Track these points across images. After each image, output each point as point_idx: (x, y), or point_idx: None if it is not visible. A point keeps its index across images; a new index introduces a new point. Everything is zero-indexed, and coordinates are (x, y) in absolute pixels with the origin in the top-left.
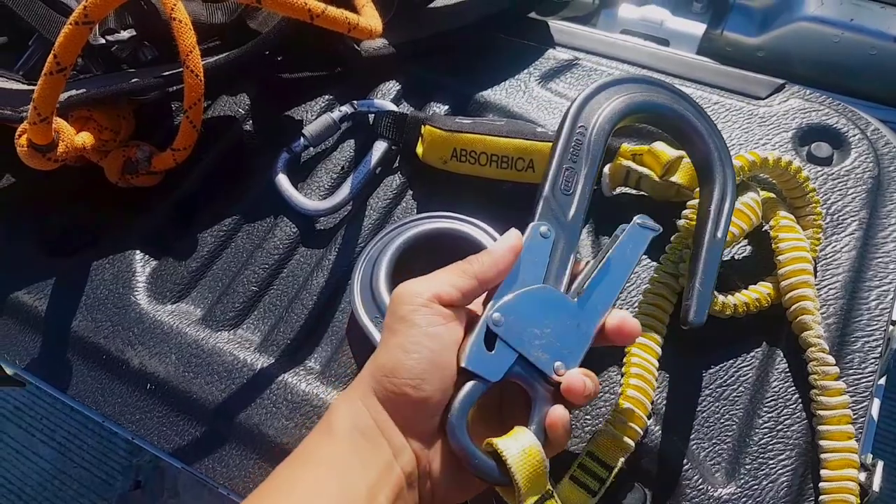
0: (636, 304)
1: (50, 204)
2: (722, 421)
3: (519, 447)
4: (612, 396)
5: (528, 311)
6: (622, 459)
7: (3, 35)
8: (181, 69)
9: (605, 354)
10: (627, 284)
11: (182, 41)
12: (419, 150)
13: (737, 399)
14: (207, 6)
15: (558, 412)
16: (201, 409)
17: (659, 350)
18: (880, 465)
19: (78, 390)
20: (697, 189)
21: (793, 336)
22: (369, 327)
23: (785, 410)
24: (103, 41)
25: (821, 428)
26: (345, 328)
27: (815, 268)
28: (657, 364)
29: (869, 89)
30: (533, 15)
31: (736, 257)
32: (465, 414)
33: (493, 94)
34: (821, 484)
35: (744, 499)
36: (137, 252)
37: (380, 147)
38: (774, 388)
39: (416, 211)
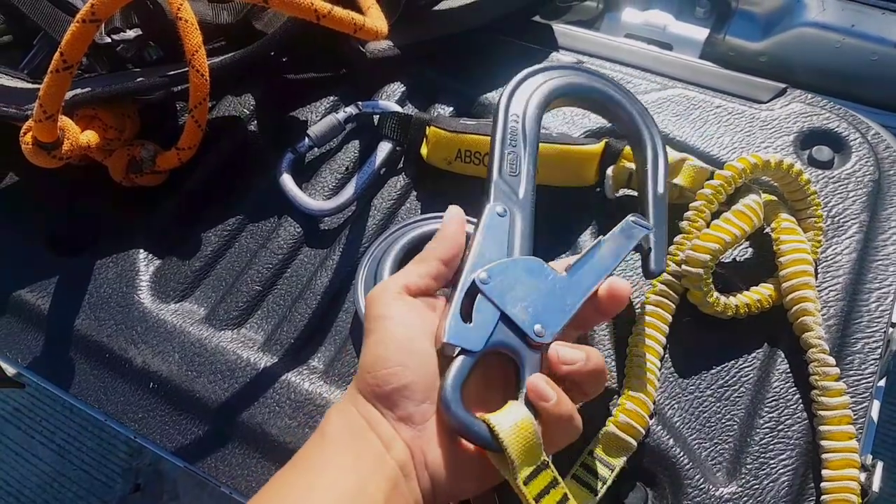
0: (638, 305)
1: (54, 203)
2: (723, 421)
3: (511, 421)
4: (615, 396)
5: (514, 275)
6: (624, 459)
7: (7, 34)
8: (186, 69)
9: (605, 355)
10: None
11: (188, 41)
12: (424, 151)
13: (738, 399)
14: (213, 6)
15: (535, 381)
16: (204, 408)
17: (661, 350)
18: (880, 465)
19: (80, 389)
20: (700, 191)
21: (794, 337)
22: None
23: (786, 411)
24: (109, 40)
25: (822, 428)
26: (348, 328)
27: (816, 270)
28: (659, 364)
29: (870, 95)
30: (537, 18)
31: (738, 259)
32: (457, 387)
33: (498, 96)
34: (822, 484)
35: (745, 498)
36: (141, 251)
37: (384, 148)
38: (775, 388)
39: (420, 212)
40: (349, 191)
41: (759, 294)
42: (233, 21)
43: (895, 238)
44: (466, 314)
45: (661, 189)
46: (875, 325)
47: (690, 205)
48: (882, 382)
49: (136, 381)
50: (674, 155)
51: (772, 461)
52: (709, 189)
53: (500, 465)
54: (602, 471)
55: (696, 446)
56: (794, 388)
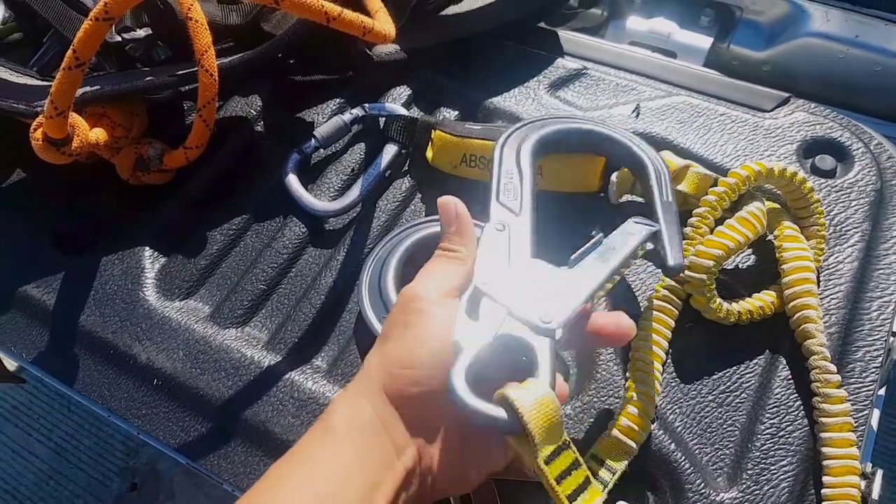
0: (642, 309)
1: (61, 200)
2: (724, 426)
3: (532, 397)
4: (616, 401)
5: (517, 276)
6: (626, 462)
7: (18, 31)
8: (195, 69)
9: (608, 360)
10: (635, 291)
11: (197, 41)
12: (429, 154)
13: (739, 405)
14: (223, 7)
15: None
16: (208, 406)
17: (663, 355)
18: (879, 473)
19: (85, 385)
20: (704, 198)
21: (795, 344)
22: (377, 327)
23: (787, 417)
24: (119, 39)
25: (823, 435)
26: (352, 328)
27: (818, 278)
28: (661, 369)
29: (873, 105)
30: (543, 25)
31: (740, 266)
32: (461, 374)
33: (503, 101)
34: (823, 490)
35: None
36: (147, 248)
37: (390, 150)
38: (777, 394)
39: (424, 214)
40: (354, 192)
41: (762, 301)
42: (242, 22)
43: None
44: (474, 316)
45: (668, 198)
46: (876, 333)
47: (694, 211)
48: (882, 391)
49: (140, 377)
50: (678, 162)
51: (772, 467)
52: (713, 196)
53: (521, 445)
54: (603, 474)
55: (697, 451)
56: (796, 395)
